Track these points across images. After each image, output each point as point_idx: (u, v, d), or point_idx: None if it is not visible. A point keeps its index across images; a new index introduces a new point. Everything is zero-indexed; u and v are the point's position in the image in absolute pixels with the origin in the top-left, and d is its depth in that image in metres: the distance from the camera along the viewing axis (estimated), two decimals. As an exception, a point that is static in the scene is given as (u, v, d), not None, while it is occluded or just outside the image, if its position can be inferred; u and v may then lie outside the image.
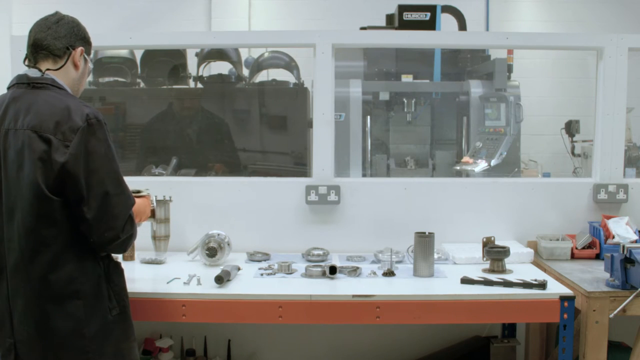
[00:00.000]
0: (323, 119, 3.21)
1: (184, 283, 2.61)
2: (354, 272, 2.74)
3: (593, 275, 2.75)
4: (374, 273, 2.77)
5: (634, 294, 2.49)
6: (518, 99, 4.36)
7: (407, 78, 4.60)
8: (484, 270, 2.80)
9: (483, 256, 2.87)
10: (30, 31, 2.13)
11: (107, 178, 2.00)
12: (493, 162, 4.11)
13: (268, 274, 2.76)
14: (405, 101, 4.64)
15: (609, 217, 3.14)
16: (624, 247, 2.54)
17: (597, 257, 3.07)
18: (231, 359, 3.40)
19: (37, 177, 1.94)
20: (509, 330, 3.39)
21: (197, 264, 2.94)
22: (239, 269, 2.76)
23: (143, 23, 6.25)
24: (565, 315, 2.46)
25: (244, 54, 5.21)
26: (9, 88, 2.12)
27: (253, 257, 3.04)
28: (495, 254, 2.80)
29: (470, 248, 3.03)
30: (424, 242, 2.76)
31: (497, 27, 6.28)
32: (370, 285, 2.62)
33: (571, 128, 5.22)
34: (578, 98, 6.04)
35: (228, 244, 2.94)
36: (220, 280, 2.51)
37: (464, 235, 3.19)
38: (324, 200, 3.19)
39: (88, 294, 2.03)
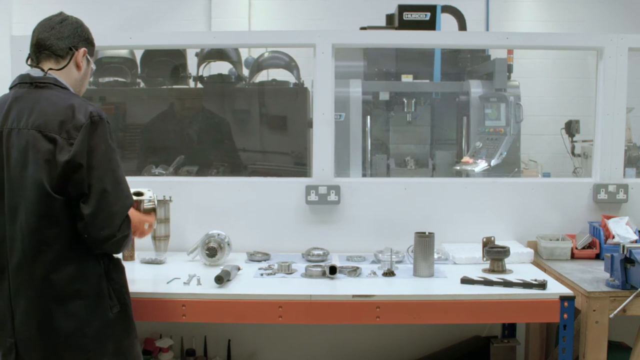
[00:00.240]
0: (323, 119, 3.21)
1: (184, 283, 2.61)
2: (354, 272, 2.74)
3: (593, 275, 2.75)
4: (374, 273, 2.77)
5: (634, 294, 2.49)
6: (518, 99, 4.36)
7: (407, 78, 4.61)
8: (484, 270, 2.80)
9: (483, 256, 2.87)
10: (34, 31, 2.13)
11: (106, 175, 2.00)
12: (493, 162, 4.11)
13: (268, 274, 2.76)
14: (405, 101, 4.65)
15: (609, 217, 3.14)
16: (624, 247, 2.54)
17: (597, 257, 3.07)
18: (231, 359, 3.40)
19: (42, 176, 1.95)
20: (509, 330, 3.39)
21: (197, 264, 2.94)
22: (239, 269, 2.76)
23: (143, 23, 6.25)
24: (565, 315, 2.46)
25: (244, 54, 5.21)
26: (11, 88, 2.12)
27: (253, 257, 3.04)
28: (495, 254, 2.80)
29: (470, 248, 3.03)
30: (424, 242, 2.76)
31: (497, 27, 6.28)
32: (370, 285, 2.62)
33: (571, 128, 5.22)
34: (578, 98, 6.04)
35: (228, 244, 2.94)
36: (220, 280, 2.51)
37: (464, 235, 3.19)
38: (324, 200, 3.19)
39: (89, 294, 2.03)
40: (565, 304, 2.46)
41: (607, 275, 2.62)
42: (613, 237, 3.03)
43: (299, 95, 4.62)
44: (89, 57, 2.20)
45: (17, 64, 3.04)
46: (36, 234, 1.98)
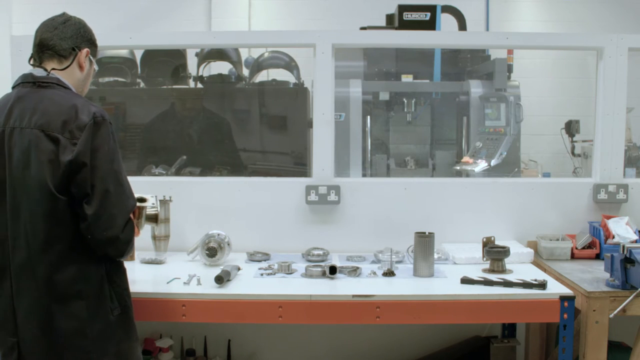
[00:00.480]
0: (323, 119, 3.21)
1: (184, 283, 2.61)
2: (354, 272, 2.74)
3: (593, 275, 2.75)
4: (374, 273, 2.77)
5: (634, 294, 2.49)
6: (518, 99, 4.36)
7: (407, 78, 4.61)
8: (484, 270, 2.80)
9: (483, 256, 2.87)
10: (37, 31, 2.14)
11: (109, 176, 2.00)
12: (493, 162, 4.11)
13: (268, 274, 2.76)
14: (405, 101, 4.64)
15: (609, 217, 3.14)
16: (624, 247, 2.54)
17: (597, 257, 3.07)
18: (231, 359, 3.40)
19: (46, 176, 1.95)
20: (509, 330, 3.39)
21: (197, 264, 2.94)
22: (239, 269, 2.76)
23: (143, 23, 6.26)
24: (565, 315, 2.46)
25: (244, 54, 5.21)
26: (13, 87, 2.12)
27: (253, 257, 3.04)
28: (495, 254, 2.80)
29: (470, 248, 3.03)
30: (424, 242, 2.76)
31: (497, 27, 6.28)
32: (370, 285, 2.62)
33: (571, 128, 5.23)
34: (578, 98, 6.04)
35: (228, 244, 2.94)
36: (220, 280, 2.51)
37: (464, 235, 3.19)
38: (324, 200, 3.19)
39: (91, 295, 2.03)
40: (565, 304, 2.46)
41: (607, 275, 2.62)
42: (613, 237, 3.03)
43: (299, 95, 4.62)
44: (91, 57, 2.20)
45: (17, 64, 3.05)
46: (40, 234, 1.98)
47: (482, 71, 4.80)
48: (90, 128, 1.98)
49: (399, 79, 4.63)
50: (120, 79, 4.73)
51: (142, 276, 2.75)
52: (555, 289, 2.57)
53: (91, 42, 2.20)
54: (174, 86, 4.71)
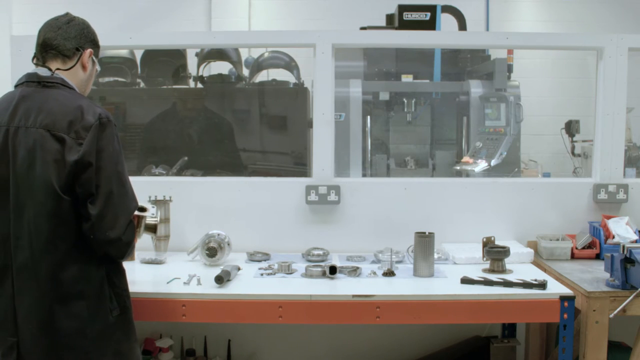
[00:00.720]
0: (323, 119, 3.21)
1: (184, 283, 2.61)
2: (354, 272, 2.74)
3: (593, 275, 2.75)
4: (374, 273, 2.77)
5: (634, 294, 2.49)
6: (518, 99, 4.36)
7: (407, 78, 4.61)
8: (484, 270, 2.80)
9: (483, 256, 2.87)
10: (40, 30, 2.14)
11: (113, 177, 2.01)
12: (493, 162, 4.11)
13: (268, 274, 2.76)
14: (405, 101, 4.65)
15: (609, 217, 3.14)
16: (624, 247, 2.54)
17: (597, 257, 3.07)
18: (231, 359, 3.40)
19: (50, 176, 1.95)
20: (509, 330, 3.39)
21: (197, 264, 2.94)
22: (239, 269, 2.76)
23: (143, 23, 6.26)
24: (565, 315, 2.46)
25: (244, 54, 5.21)
26: (16, 86, 2.12)
27: (253, 257, 3.04)
28: (495, 254, 2.80)
29: (470, 248, 3.03)
30: (424, 242, 2.76)
31: (497, 27, 6.29)
32: (370, 285, 2.62)
33: (571, 128, 5.23)
34: (578, 98, 6.04)
35: (228, 244, 2.94)
36: (220, 280, 2.51)
37: (464, 235, 3.19)
38: (324, 200, 3.19)
39: (91, 295, 2.03)
40: (565, 304, 2.46)
41: (607, 275, 2.62)
42: (613, 237, 3.03)
43: (299, 95, 4.62)
44: (94, 58, 2.21)
45: (17, 64, 3.04)
46: (44, 233, 1.98)
47: (482, 71, 4.80)
48: (96, 129, 1.98)
49: (399, 79, 4.63)
50: (120, 79, 4.73)
51: (142, 276, 2.75)
52: (555, 289, 2.56)
53: (94, 43, 2.21)
54: (174, 86, 4.72)
